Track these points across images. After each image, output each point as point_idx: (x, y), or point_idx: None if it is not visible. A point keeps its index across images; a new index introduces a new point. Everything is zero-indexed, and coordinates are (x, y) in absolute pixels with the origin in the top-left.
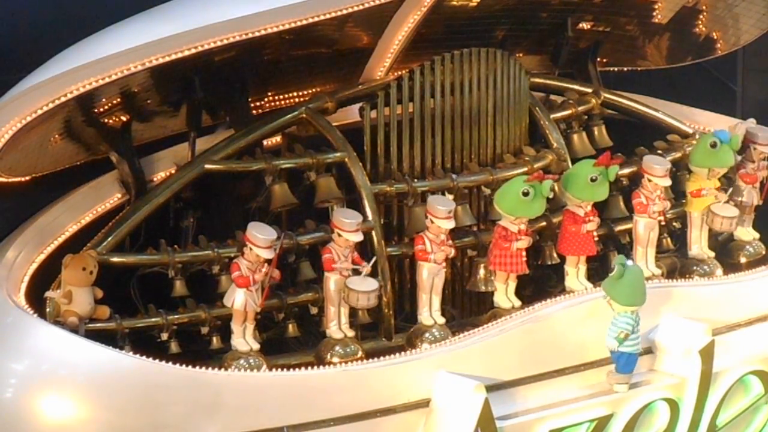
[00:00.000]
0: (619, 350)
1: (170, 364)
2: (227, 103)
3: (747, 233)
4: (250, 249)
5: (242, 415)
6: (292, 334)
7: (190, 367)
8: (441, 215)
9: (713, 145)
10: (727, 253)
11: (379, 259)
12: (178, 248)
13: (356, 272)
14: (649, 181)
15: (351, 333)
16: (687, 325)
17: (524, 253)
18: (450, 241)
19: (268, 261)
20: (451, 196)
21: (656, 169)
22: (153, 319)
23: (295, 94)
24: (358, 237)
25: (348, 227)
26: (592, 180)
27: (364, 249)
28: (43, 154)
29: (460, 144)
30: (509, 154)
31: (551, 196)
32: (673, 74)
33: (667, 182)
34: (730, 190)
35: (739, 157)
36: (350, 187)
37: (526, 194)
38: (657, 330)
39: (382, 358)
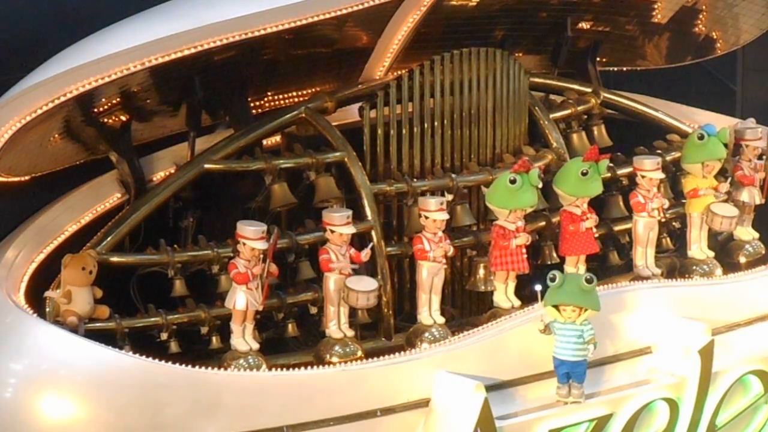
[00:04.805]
0: (585, 358)
1: (170, 363)
2: (227, 102)
3: (746, 233)
4: (244, 244)
5: (242, 414)
6: (291, 333)
7: (189, 366)
8: (432, 207)
9: (701, 137)
10: (726, 252)
11: (379, 259)
12: (178, 248)
13: (356, 272)
14: (643, 177)
15: (350, 333)
16: (686, 324)
17: (524, 251)
18: (448, 240)
19: (265, 256)
20: (450, 196)
21: (646, 163)
22: (152, 319)
23: (294, 93)
24: (350, 229)
25: (337, 221)
26: (583, 174)
27: (362, 243)
28: (42, 153)
29: (460, 144)
30: (509, 153)
31: (540, 186)
32: (673, 74)
33: (660, 174)
34: (727, 183)
35: (736, 158)
36: (350, 186)
37: (513, 182)
38: (657, 330)
39: (381, 357)
